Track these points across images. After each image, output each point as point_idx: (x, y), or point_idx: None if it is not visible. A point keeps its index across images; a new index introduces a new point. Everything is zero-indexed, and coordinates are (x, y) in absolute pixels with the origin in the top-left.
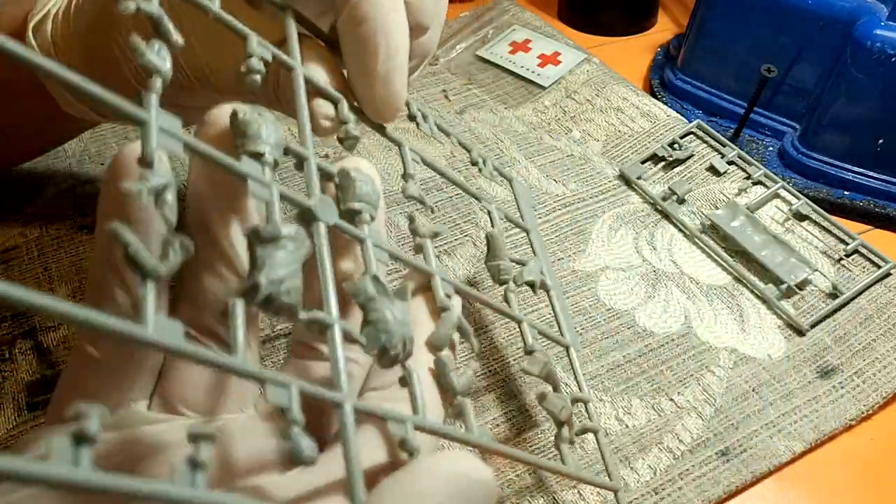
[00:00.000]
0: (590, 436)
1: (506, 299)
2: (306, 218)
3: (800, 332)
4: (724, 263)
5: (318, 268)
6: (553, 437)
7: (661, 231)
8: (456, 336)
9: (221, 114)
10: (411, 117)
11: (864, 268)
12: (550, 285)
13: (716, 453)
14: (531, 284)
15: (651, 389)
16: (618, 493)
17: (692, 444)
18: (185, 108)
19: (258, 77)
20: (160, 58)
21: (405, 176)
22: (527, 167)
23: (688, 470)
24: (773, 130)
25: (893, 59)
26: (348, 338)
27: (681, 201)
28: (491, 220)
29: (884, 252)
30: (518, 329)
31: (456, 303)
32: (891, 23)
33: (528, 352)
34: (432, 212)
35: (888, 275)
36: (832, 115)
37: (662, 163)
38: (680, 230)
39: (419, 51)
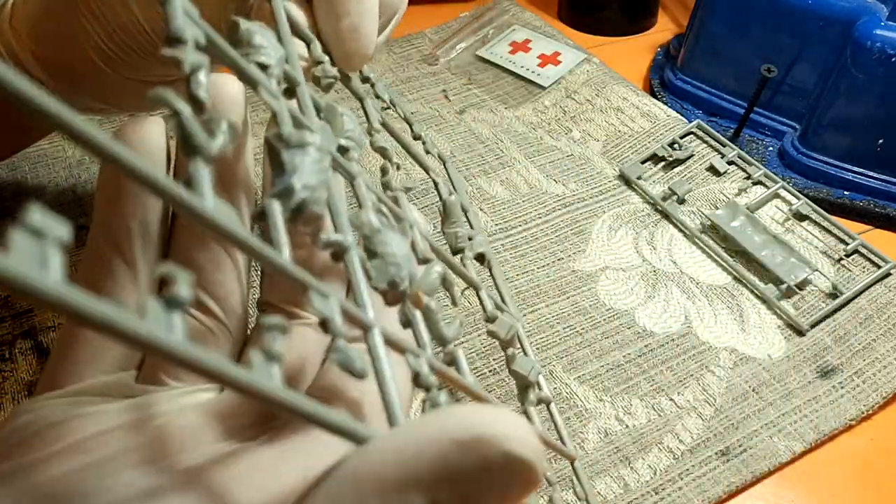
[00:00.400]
0: (590, 436)
1: (463, 264)
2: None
3: (800, 332)
4: (724, 263)
5: (329, 199)
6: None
7: (661, 231)
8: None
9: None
10: (364, 79)
11: (864, 268)
12: (491, 260)
13: (716, 453)
14: (480, 257)
15: (651, 389)
16: (574, 463)
17: (692, 444)
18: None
19: None
20: None
21: (370, 130)
22: (527, 167)
23: (688, 470)
24: (773, 130)
25: (893, 59)
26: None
27: (681, 201)
28: (437, 190)
29: (884, 252)
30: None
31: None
32: (891, 23)
33: (490, 318)
34: (398, 168)
35: (888, 275)
36: (832, 115)
37: (662, 163)
38: (680, 230)
39: (390, 6)
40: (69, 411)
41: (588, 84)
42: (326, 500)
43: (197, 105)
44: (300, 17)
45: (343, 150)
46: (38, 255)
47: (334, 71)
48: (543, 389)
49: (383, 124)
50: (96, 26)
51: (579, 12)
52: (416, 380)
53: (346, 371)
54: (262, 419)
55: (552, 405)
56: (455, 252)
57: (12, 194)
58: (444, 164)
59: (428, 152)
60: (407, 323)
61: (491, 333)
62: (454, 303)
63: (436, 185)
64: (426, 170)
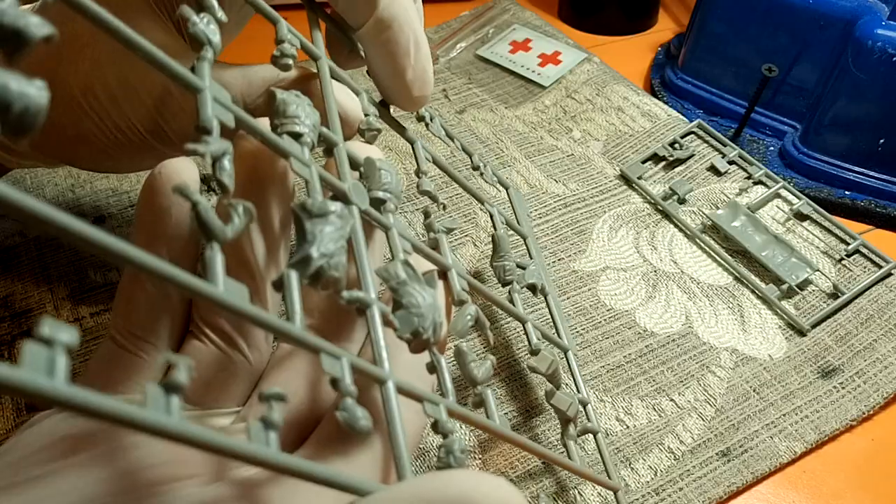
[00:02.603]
0: (589, 438)
1: (510, 299)
2: (341, 201)
3: (801, 333)
4: (724, 263)
5: (354, 251)
6: (558, 435)
7: (661, 231)
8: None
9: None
10: (420, 118)
11: (865, 268)
12: (548, 290)
13: (717, 454)
14: (532, 287)
15: (652, 390)
16: (618, 493)
17: (693, 444)
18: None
19: (290, 60)
20: (210, 30)
21: (418, 172)
22: (527, 167)
23: (689, 470)
24: (773, 130)
25: (894, 59)
26: (384, 321)
27: (681, 201)
28: (493, 221)
29: (885, 252)
30: (522, 329)
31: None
32: (892, 22)
33: (534, 351)
34: (444, 209)
35: (889, 275)
36: (833, 114)
37: (663, 162)
38: (681, 230)
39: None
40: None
41: (588, 83)
42: None
43: (223, 189)
44: (344, 76)
45: (380, 203)
46: (47, 361)
47: (378, 124)
48: (591, 421)
49: (436, 162)
50: (89, 123)
51: (580, 12)
52: (435, 426)
53: (349, 429)
54: (302, 423)
55: (599, 436)
56: (504, 284)
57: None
58: (508, 192)
59: (491, 184)
60: (433, 369)
61: (532, 368)
62: (489, 342)
63: (491, 217)
64: (481, 201)
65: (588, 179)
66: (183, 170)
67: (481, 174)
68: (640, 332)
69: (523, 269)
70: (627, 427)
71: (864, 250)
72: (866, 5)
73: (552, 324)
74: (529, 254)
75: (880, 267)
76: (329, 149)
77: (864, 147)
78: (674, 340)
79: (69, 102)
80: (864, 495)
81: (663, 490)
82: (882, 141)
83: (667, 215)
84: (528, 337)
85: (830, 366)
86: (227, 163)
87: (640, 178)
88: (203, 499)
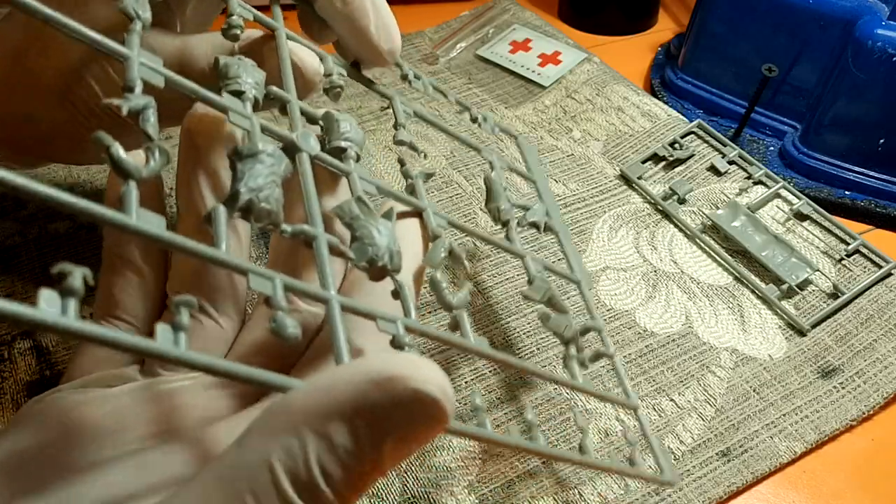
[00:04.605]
0: (591, 437)
1: (507, 238)
2: (290, 151)
3: (801, 333)
4: (724, 263)
5: (303, 195)
6: (558, 436)
7: (661, 231)
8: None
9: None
10: (404, 77)
11: (865, 268)
12: (557, 228)
13: (717, 454)
14: (535, 225)
15: (652, 390)
16: (637, 411)
17: (693, 444)
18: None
19: (238, 31)
20: (139, 4)
21: (396, 125)
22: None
23: (689, 470)
24: (773, 130)
25: (894, 59)
26: (335, 251)
27: (681, 201)
28: (492, 167)
29: (885, 252)
30: (523, 330)
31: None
32: (891, 22)
33: (531, 281)
34: (424, 157)
35: (889, 275)
36: (833, 114)
37: (663, 162)
38: (681, 230)
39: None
40: (77, 398)
41: (588, 83)
42: (262, 430)
43: (147, 138)
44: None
45: (340, 151)
46: (60, 304)
47: (342, 81)
48: (606, 345)
49: (420, 115)
50: (64, 113)
51: (580, 12)
52: (393, 342)
53: (278, 336)
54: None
55: (616, 358)
56: (502, 224)
57: (11, 195)
58: (517, 140)
59: (493, 133)
60: (396, 294)
61: (525, 296)
62: (465, 274)
63: (490, 164)
64: (477, 150)
65: (588, 179)
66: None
67: (479, 125)
68: (640, 332)
69: (526, 209)
70: (628, 427)
71: (864, 250)
72: (866, 5)
73: (566, 262)
74: (539, 196)
75: (880, 267)
76: (283, 106)
77: (864, 147)
78: (674, 340)
79: (44, 94)
80: (864, 495)
81: (663, 490)
82: (882, 141)
83: (667, 215)
84: (527, 270)
85: (830, 366)
86: (150, 115)
87: (640, 178)
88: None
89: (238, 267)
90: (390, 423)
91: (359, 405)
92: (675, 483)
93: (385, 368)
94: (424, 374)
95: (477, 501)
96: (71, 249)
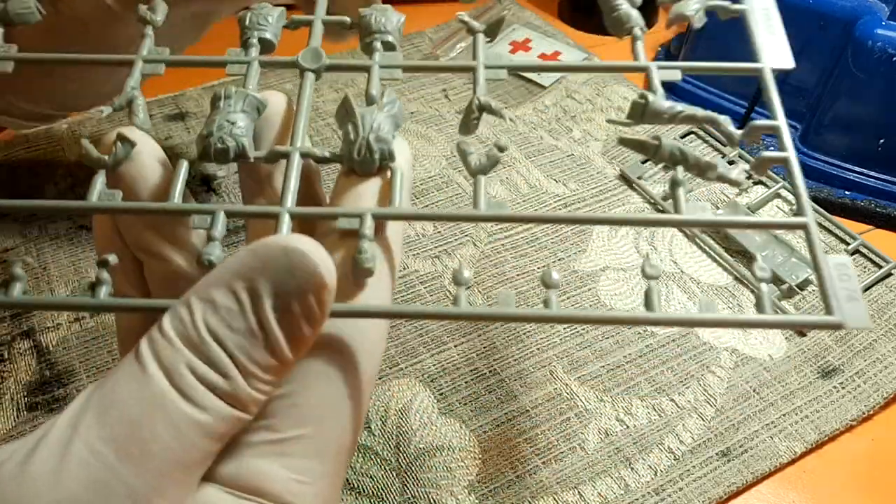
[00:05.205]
0: (591, 437)
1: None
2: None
3: (801, 333)
4: (724, 263)
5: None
6: (559, 436)
7: (661, 231)
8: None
9: None
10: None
11: (865, 268)
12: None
13: (717, 454)
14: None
15: (652, 390)
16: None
17: (693, 444)
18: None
19: None
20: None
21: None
22: (527, 167)
23: (689, 470)
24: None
25: (894, 59)
26: (317, 159)
27: None
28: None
29: (885, 252)
30: (518, 343)
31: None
32: (891, 22)
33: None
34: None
35: (889, 275)
36: (833, 114)
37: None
38: (681, 230)
39: None
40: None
41: (588, 83)
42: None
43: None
44: None
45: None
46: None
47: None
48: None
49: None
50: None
51: (579, 12)
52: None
53: (202, 265)
54: None
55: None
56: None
57: (11, 195)
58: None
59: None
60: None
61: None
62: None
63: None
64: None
65: (588, 179)
66: (274, 95)
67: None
68: (640, 332)
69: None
70: (627, 427)
71: (864, 250)
72: (866, 5)
73: None
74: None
75: (880, 267)
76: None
77: (864, 147)
78: (674, 340)
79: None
80: (864, 495)
81: (663, 490)
82: (882, 141)
83: None
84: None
85: (830, 366)
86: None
87: (640, 178)
88: None
89: (180, 209)
90: (265, 279)
91: (236, 270)
92: (848, 326)
93: (265, 240)
94: (297, 237)
95: (477, 501)
96: (71, 250)
